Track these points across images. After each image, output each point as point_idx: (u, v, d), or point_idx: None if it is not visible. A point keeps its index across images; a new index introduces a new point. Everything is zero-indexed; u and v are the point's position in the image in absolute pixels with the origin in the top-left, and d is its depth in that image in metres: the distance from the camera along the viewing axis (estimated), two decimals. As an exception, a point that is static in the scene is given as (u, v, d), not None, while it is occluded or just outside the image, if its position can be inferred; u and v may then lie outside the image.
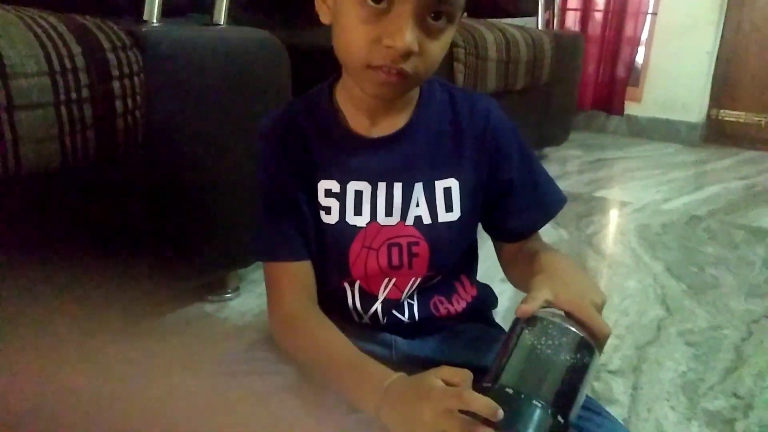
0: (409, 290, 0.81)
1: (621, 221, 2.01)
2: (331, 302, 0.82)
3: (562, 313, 0.63)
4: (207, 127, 1.12)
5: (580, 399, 0.60)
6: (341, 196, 0.77)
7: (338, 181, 0.77)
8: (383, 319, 0.81)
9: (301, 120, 0.78)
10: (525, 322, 0.63)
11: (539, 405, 0.56)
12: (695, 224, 1.95)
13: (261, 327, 1.18)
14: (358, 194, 0.77)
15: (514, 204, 0.81)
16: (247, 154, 1.18)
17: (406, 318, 0.82)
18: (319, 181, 0.77)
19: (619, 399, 1.05)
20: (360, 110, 0.76)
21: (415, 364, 0.83)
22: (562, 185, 2.12)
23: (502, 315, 0.97)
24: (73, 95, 0.88)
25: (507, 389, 0.58)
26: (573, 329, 0.60)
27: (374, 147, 0.77)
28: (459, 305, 0.86)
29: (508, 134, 0.81)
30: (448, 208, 0.79)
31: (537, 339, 0.61)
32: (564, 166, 2.65)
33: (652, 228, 1.90)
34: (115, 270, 1.04)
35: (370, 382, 0.66)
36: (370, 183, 0.77)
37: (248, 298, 1.32)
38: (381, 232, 0.77)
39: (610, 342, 1.22)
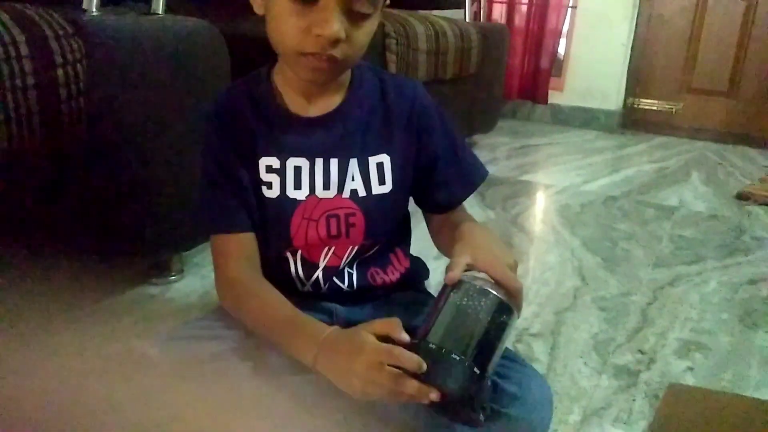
0: (347, 258, 0.88)
1: (544, 202, 2.14)
2: (275, 272, 0.88)
3: (484, 276, 0.72)
4: (148, 113, 1.15)
5: (498, 353, 0.70)
6: (281, 172, 0.83)
7: (278, 158, 0.83)
8: (324, 286, 0.89)
9: (241, 102, 0.84)
10: (451, 286, 0.71)
11: (458, 359, 0.65)
12: (610, 204, 2.11)
13: (206, 307, 1.22)
14: (297, 170, 0.84)
15: (440, 177, 0.89)
16: (188, 139, 1.22)
17: (345, 286, 0.89)
18: (260, 158, 0.83)
19: (539, 358, 1.16)
20: (296, 92, 0.83)
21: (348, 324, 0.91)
22: (491, 170, 2.25)
23: (434, 288, 1.05)
24: (18, 82, 0.91)
25: (431, 345, 0.66)
26: (492, 291, 0.69)
27: (311, 126, 0.84)
28: (393, 275, 0.94)
29: (433, 113, 0.89)
30: (381, 181, 0.86)
31: (460, 300, 0.70)
32: (493, 152, 2.78)
33: (572, 208, 2.04)
34: (57, 254, 1.07)
35: (307, 336, 0.73)
36: (308, 159, 0.83)
37: (192, 280, 1.36)
38: (320, 204, 0.84)
39: (532, 309, 1.34)
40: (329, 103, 0.84)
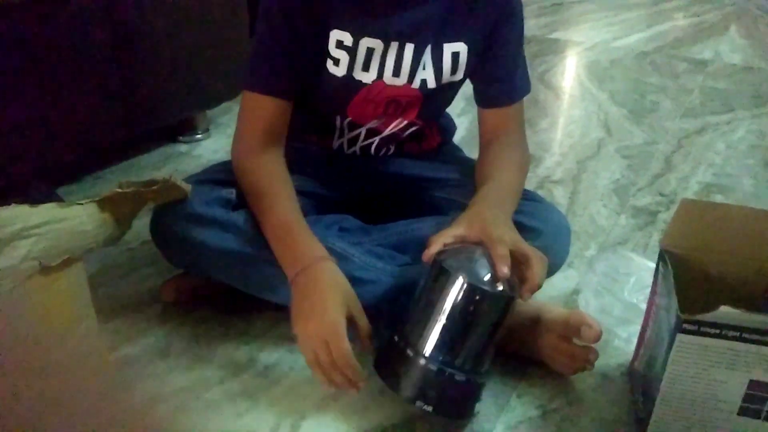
0: (391, 129, 0.87)
1: (572, 59, 2.08)
2: (315, 125, 0.88)
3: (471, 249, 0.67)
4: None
5: (477, 343, 0.65)
6: (352, 50, 0.78)
7: (351, 34, 0.77)
8: (357, 149, 0.90)
9: None
10: (434, 269, 0.66)
11: (414, 358, 0.63)
12: (641, 59, 2.04)
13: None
14: (370, 51, 0.78)
15: (492, 75, 0.85)
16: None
17: (379, 154, 0.91)
18: (332, 29, 0.77)
19: (560, 201, 1.18)
20: None
21: (377, 178, 0.93)
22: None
23: (458, 141, 1.06)
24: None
25: (395, 338, 0.67)
26: (458, 275, 0.63)
27: (393, 4, 0.77)
28: (426, 147, 0.95)
29: (514, 7, 0.83)
30: (454, 71, 0.82)
31: (428, 285, 0.66)
32: (523, 10, 2.67)
33: (601, 63, 1.99)
34: (85, 110, 1.10)
35: (294, 256, 0.72)
36: (383, 41, 0.78)
37: (219, 139, 1.39)
38: (385, 90, 0.81)
39: (554, 159, 1.35)
40: None
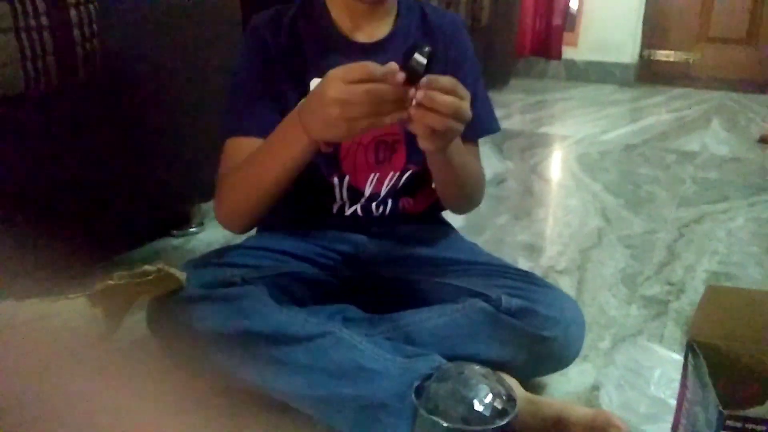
0: (388, 185, 0.88)
1: (562, 152, 2.11)
2: (317, 199, 0.88)
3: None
4: (164, 57, 1.14)
5: None
6: None
7: None
8: (361, 213, 0.89)
9: (297, 22, 0.86)
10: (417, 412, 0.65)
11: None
12: (630, 151, 2.08)
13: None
14: None
15: None
16: (206, 86, 1.21)
17: (378, 213, 0.90)
18: (311, 79, 0.83)
19: (567, 291, 1.14)
20: (347, 15, 0.84)
21: (379, 262, 0.91)
22: (506, 124, 2.21)
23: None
24: (32, 22, 0.90)
25: None
26: (454, 427, 0.61)
27: (362, 52, 0.83)
28: (420, 206, 0.94)
29: (467, 53, 0.91)
30: None
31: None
32: (507, 108, 2.74)
33: (591, 155, 2.01)
34: (76, 204, 1.06)
35: (286, 122, 0.76)
36: None
37: (213, 232, 1.36)
38: (371, 130, 0.83)
39: (556, 248, 1.33)
40: (377, 31, 0.86)
